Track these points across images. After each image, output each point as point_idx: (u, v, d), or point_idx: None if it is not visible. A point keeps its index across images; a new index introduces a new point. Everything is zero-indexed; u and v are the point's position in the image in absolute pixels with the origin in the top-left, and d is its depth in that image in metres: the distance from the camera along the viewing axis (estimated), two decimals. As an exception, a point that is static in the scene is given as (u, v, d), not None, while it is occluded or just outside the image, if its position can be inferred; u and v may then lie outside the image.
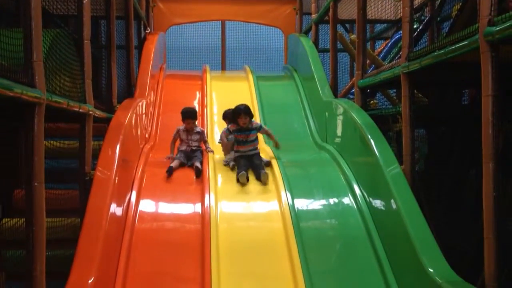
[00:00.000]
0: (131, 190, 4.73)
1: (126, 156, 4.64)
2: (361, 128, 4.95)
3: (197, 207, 4.76)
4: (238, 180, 5.08)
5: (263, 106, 6.97)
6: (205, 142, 5.61)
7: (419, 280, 3.56)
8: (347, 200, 4.96)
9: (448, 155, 5.74)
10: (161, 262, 4.09)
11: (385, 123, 5.32)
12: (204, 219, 4.55)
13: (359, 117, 5.13)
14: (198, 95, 7.24)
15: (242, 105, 5.47)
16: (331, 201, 5.04)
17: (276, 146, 5.70)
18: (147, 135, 5.99)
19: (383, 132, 4.96)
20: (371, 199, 4.72)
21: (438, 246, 3.69)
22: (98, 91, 5.47)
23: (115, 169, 4.16)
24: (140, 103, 5.72)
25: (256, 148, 5.46)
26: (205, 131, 6.10)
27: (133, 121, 5.16)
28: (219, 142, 5.73)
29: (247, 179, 5.11)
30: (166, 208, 4.85)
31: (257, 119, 6.67)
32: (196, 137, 5.51)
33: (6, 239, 4.22)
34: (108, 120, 4.91)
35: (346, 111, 5.48)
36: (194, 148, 5.46)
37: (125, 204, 4.51)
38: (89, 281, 3.18)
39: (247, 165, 5.26)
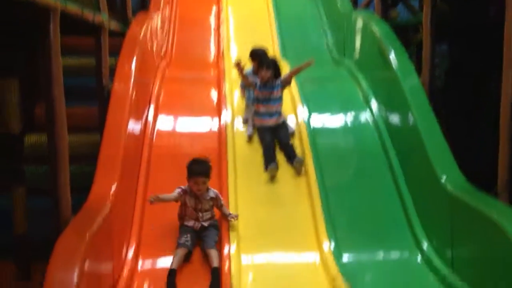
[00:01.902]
0: (148, 107, 4.77)
1: (142, 71, 4.61)
2: (380, 39, 4.81)
3: (214, 124, 4.80)
4: (266, 170, 4.24)
5: (280, 20, 6.78)
6: (221, 206, 3.74)
7: (432, 189, 3.60)
8: (364, 116, 4.94)
9: (470, 69, 5.61)
10: (180, 175, 4.20)
11: (406, 36, 5.16)
12: (220, 135, 4.61)
13: (379, 28, 4.98)
14: (214, 9, 7.06)
15: (270, 57, 4.68)
16: (348, 117, 5.04)
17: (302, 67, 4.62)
18: (162, 52, 5.92)
19: (404, 46, 4.82)
20: (388, 113, 4.69)
21: (453, 157, 3.69)
22: (112, 3, 5.28)
23: (132, 84, 4.16)
24: (156, 17, 5.58)
25: (281, 113, 4.55)
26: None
27: (148, 35, 5.04)
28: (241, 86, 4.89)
29: (277, 167, 4.24)
30: (184, 125, 4.90)
31: (273, 34, 6.51)
32: (208, 204, 3.66)
33: (29, 155, 4.35)
34: (123, 35, 4.84)
35: (365, 23, 5.30)
36: (206, 224, 3.62)
37: (143, 120, 4.56)
38: (112, 190, 3.30)
39: (273, 143, 4.38)
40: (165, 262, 3.45)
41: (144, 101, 4.71)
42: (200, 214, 3.61)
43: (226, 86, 5.20)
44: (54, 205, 3.19)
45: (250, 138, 4.62)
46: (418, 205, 3.85)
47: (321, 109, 5.03)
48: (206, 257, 3.46)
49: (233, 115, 4.84)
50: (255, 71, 4.62)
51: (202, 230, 3.58)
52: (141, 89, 4.52)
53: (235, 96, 5.13)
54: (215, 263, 3.34)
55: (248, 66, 4.80)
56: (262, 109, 4.47)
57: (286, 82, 4.61)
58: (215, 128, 4.74)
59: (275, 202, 4.12)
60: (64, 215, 3.21)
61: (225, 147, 4.45)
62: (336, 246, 3.56)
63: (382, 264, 3.55)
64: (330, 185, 4.17)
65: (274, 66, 4.50)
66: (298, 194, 4.16)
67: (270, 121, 4.48)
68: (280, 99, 4.54)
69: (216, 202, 3.71)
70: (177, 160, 4.35)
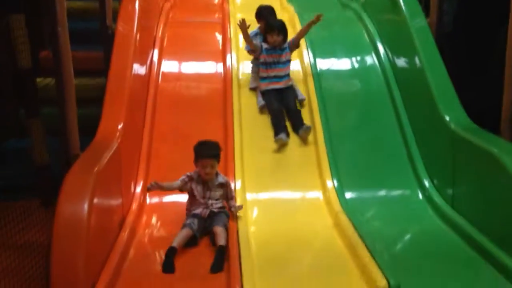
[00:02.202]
0: (153, 49, 4.76)
1: (146, 13, 4.57)
2: (388, -20, 4.72)
3: (219, 67, 4.80)
4: (275, 138, 4.08)
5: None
6: (231, 199, 3.42)
7: (436, 129, 3.65)
8: (370, 59, 4.92)
9: (479, 14, 5.51)
10: (186, 116, 4.26)
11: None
12: (226, 77, 4.62)
13: (386, -30, 4.86)
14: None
15: (277, 20, 4.51)
16: (354, 60, 5.00)
17: (314, 21, 4.44)
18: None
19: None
20: (394, 56, 4.66)
21: (458, 98, 3.70)
22: None
23: (135, 26, 4.13)
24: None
25: (289, 76, 4.43)
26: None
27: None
28: (246, 49, 4.63)
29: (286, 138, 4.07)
30: (189, 67, 4.89)
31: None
32: (218, 193, 3.36)
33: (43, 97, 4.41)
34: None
35: (372, -36, 5.19)
36: (215, 210, 3.32)
37: (148, 62, 4.57)
38: (119, 126, 3.36)
39: (281, 110, 4.23)
40: (172, 197, 3.56)
41: (149, 44, 4.69)
42: (209, 203, 3.29)
43: (231, 29, 5.15)
44: (64, 143, 3.25)
45: (261, 110, 4.36)
46: (421, 144, 3.90)
47: (327, 53, 5.00)
48: (213, 240, 3.11)
49: (238, 58, 4.83)
50: (262, 32, 4.47)
51: (211, 215, 3.25)
52: (145, 31, 4.49)
53: (240, 39, 5.09)
54: (222, 242, 3.01)
55: (253, 28, 4.60)
56: (270, 73, 4.34)
57: (295, 46, 4.49)
58: (220, 70, 4.74)
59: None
60: (74, 153, 3.28)
61: (231, 88, 4.47)
62: (339, 184, 3.64)
63: (384, 201, 3.63)
64: (334, 128, 4.21)
65: (283, 30, 4.35)
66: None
67: (279, 84, 4.34)
68: (289, 61, 4.43)
69: (226, 190, 3.38)
70: (183, 102, 4.42)
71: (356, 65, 4.95)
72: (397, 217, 3.47)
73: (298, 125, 4.14)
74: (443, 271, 2.86)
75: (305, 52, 4.90)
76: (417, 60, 4.12)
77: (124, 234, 3.08)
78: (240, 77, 4.68)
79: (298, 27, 5.07)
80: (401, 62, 4.54)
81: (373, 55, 4.91)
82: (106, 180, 2.98)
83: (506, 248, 2.83)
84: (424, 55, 4.05)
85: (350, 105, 4.54)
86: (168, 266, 2.87)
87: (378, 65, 4.80)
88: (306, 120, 4.23)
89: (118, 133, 3.35)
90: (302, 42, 5.00)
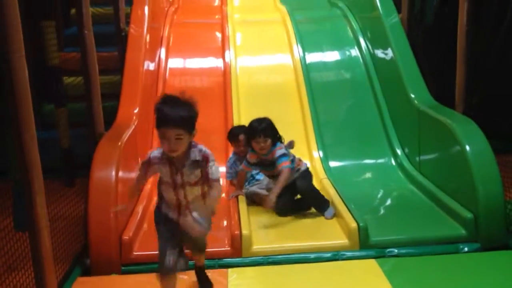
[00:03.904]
0: (160, 48, 5.39)
1: (154, 16, 5.20)
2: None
3: (219, 62, 5.43)
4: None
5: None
6: (211, 178, 2.38)
7: (405, 107, 4.28)
8: (354, 52, 5.52)
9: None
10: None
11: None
12: (225, 71, 5.25)
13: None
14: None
15: (259, 120, 3.54)
16: (339, 54, 5.61)
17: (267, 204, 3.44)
18: (170, -1, 6.47)
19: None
20: (374, 49, 5.28)
21: (424, 81, 4.32)
22: None
23: (146, 28, 4.77)
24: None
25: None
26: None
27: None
28: (229, 179, 3.94)
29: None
30: (192, 63, 5.52)
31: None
32: (191, 172, 2.38)
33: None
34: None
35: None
36: (190, 199, 2.42)
37: (157, 59, 5.20)
38: (135, 111, 3.99)
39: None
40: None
41: (157, 43, 5.33)
42: (182, 193, 2.36)
43: (229, 28, 5.78)
44: (90, 126, 3.82)
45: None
46: (394, 120, 4.56)
47: (315, 47, 5.61)
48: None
49: (236, 54, 5.45)
50: (250, 159, 3.62)
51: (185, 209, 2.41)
52: (153, 32, 5.13)
53: (237, 37, 5.72)
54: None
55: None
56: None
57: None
58: (220, 64, 5.36)
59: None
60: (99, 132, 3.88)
61: (230, 81, 5.09)
62: (324, 155, 4.28)
63: (362, 168, 4.28)
64: (321, 109, 4.82)
65: (271, 129, 3.51)
66: (295, 118, 4.80)
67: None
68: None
69: (202, 166, 2.35)
70: (188, 93, 5.03)
71: (341, 58, 5.56)
72: (373, 180, 4.13)
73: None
74: (407, 217, 3.52)
75: (294, 46, 5.51)
76: (390, 51, 4.75)
77: (143, 199, 3.70)
78: (238, 70, 5.31)
79: (290, 27, 5.68)
80: (379, 53, 5.15)
81: (356, 48, 5.52)
82: (127, 154, 3.60)
83: (456, 198, 3.48)
84: (396, 47, 4.67)
85: (335, 91, 5.14)
86: None
87: (360, 56, 5.42)
88: (296, 110, 4.84)
89: (134, 117, 3.98)
90: (292, 36, 5.63)
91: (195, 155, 2.36)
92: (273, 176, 3.54)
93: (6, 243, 2.60)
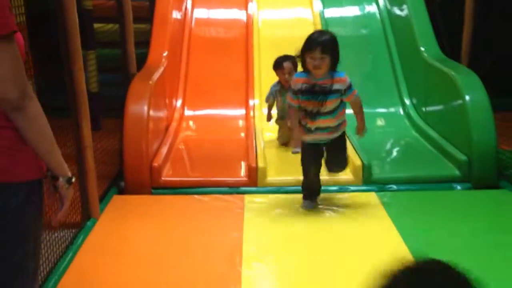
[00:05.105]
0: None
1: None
2: None
3: (242, 14, 5.71)
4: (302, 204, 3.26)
5: None
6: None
7: (415, 59, 4.57)
8: (371, 8, 5.75)
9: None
10: (214, 54, 5.22)
11: None
12: (248, 23, 5.54)
13: None
14: None
15: (321, 31, 3.13)
16: (357, 9, 5.85)
17: (359, 131, 3.17)
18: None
19: None
20: (391, 6, 5.50)
21: (434, 36, 4.58)
22: None
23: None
24: None
25: (339, 126, 3.06)
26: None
27: None
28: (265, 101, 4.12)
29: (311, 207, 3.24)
30: (216, 14, 5.81)
31: None
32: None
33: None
34: None
35: None
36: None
37: (183, 9, 5.51)
38: (164, 54, 4.36)
39: (317, 178, 3.18)
40: (203, 111, 4.60)
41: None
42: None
43: (252, -18, 6.02)
44: (124, 68, 4.20)
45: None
46: (406, 73, 4.85)
47: (335, 2, 5.84)
48: None
49: (258, 6, 5.73)
50: (295, 85, 2.95)
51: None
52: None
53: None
54: None
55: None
56: (311, 126, 3.00)
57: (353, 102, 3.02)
58: (243, 16, 5.65)
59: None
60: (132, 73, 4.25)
61: (252, 32, 5.39)
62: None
63: (374, 115, 4.59)
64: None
65: (332, 45, 2.86)
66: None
67: (323, 133, 3.03)
68: (339, 108, 2.99)
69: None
70: (212, 42, 5.37)
71: (359, 13, 5.81)
72: (381, 127, 4.47)
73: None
74: (407, 159, 3.89)
75: (314, 0, 5.76)
76: (406, 8, 4.98)
77: (170, 134, 4.12)
78: (260, 23, 5.60)
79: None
80: (395, 10, 5.38)
81: (374, 4, 5.75)
82: (156, 92, 3.99)
83: (453, 142, 3.82)
84: (411, 4, 4.91)
85: (352, 45, 5.38)
86: None
87: (377, 12, 5.65)
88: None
89: (163, 59, 4.34)
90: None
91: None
92: (318, 112, 2.85)
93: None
